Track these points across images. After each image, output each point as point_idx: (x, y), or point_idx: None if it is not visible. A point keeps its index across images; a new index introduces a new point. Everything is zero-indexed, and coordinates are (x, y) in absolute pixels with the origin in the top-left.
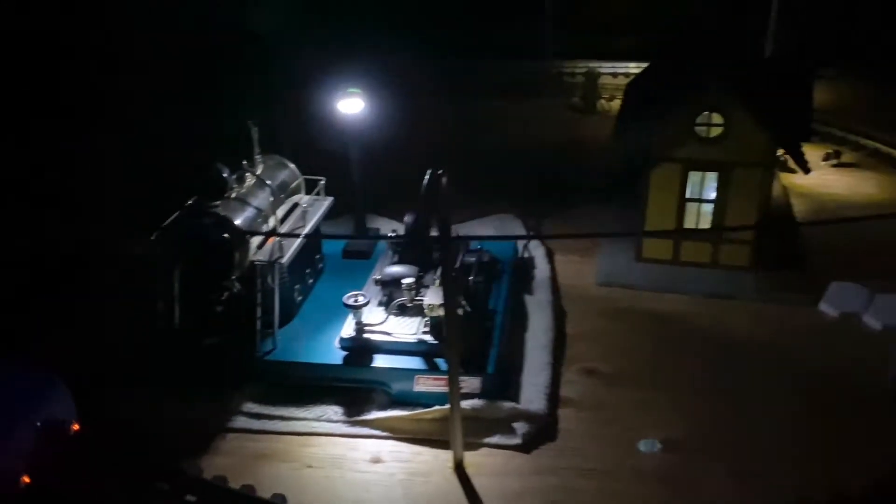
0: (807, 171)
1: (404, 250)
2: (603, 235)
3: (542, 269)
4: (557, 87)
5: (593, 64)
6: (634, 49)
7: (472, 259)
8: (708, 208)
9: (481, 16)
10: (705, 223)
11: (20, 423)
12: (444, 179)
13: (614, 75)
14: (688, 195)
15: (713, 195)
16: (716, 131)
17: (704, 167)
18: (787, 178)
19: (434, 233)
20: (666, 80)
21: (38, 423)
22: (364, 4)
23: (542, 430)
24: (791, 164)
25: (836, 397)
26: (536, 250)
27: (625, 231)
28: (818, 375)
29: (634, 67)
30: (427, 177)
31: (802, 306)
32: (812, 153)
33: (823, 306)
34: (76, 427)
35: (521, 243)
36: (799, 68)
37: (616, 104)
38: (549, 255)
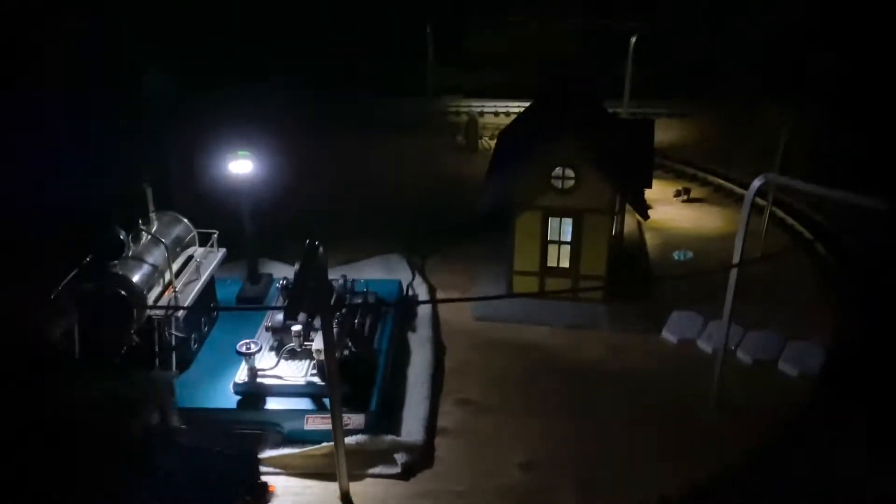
0: (645, 217)
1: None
2: (478, 300)
3: (424, 307)
4: (442, 126)
5: (476, 103)
6: (515, 86)
7: (359, 301)
8: (566, 248)
9: (367, 55)
10: (565, 261)
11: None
12: (320, 250)
13: (496, 114)
14: (549, 238)
15: (569, 237)
16: (569, 183)
17: (561, 214)
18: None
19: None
20: (528, 136)
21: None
22: (249, 52)
23: (420, 459)
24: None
25: (671, 412)
26: (420, 288)
27: (499, 268)
28: (657, 395)
29: (515, 107)
30: (305, 249)
31: (648, 333)
32: (665, 190)
33: (665, 333)
34: (272, 489)
35: (405, 283)
36: (641, 124)
37: None
38: (432, 292)
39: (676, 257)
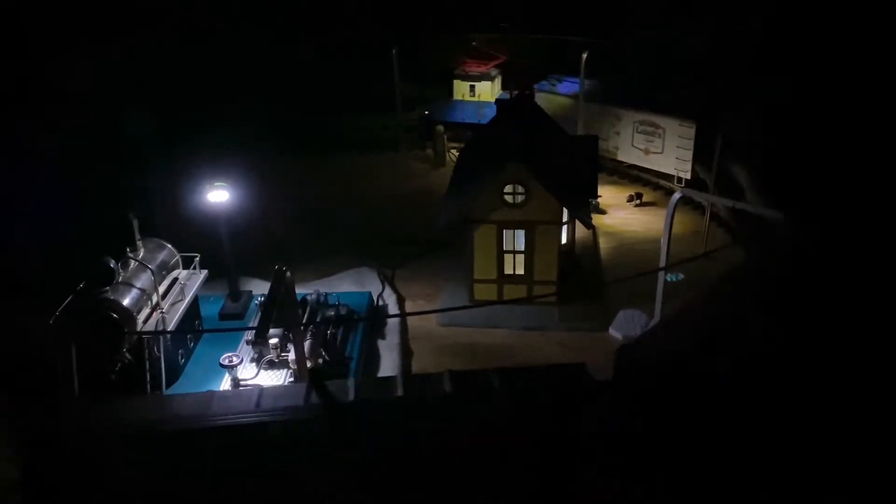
0: (589, 227)
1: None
2: (441, 311)
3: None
4: (410, 141)
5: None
6: None
7: (331, 313)
8: (521, 257)
9: (334, 73)
10: (520, 268)
11: None
12: (287, 274)
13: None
14: (505, 248)
15: (523, 247)
16: (520, 198)
17: (514, 226)
18: (596, 219)
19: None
20: (483, 158)
21: None
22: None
23: None
24: (600, 206)
25: None
26: (389, 298)
27: (461, 278)
28: None
29: None
30: (275, 273)
31: (596, 332)
32: (619, 195)
33: (612, 331)
34: None
35: (375, 294)
36: (586, 139)
37: None
38: (401, 302)
39: (669, 279)
